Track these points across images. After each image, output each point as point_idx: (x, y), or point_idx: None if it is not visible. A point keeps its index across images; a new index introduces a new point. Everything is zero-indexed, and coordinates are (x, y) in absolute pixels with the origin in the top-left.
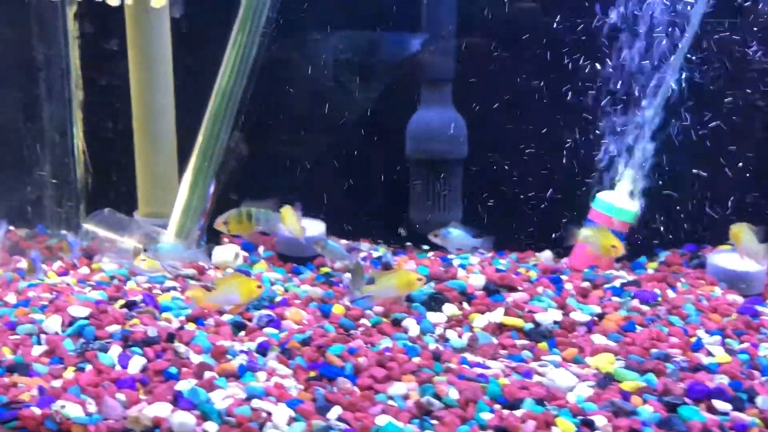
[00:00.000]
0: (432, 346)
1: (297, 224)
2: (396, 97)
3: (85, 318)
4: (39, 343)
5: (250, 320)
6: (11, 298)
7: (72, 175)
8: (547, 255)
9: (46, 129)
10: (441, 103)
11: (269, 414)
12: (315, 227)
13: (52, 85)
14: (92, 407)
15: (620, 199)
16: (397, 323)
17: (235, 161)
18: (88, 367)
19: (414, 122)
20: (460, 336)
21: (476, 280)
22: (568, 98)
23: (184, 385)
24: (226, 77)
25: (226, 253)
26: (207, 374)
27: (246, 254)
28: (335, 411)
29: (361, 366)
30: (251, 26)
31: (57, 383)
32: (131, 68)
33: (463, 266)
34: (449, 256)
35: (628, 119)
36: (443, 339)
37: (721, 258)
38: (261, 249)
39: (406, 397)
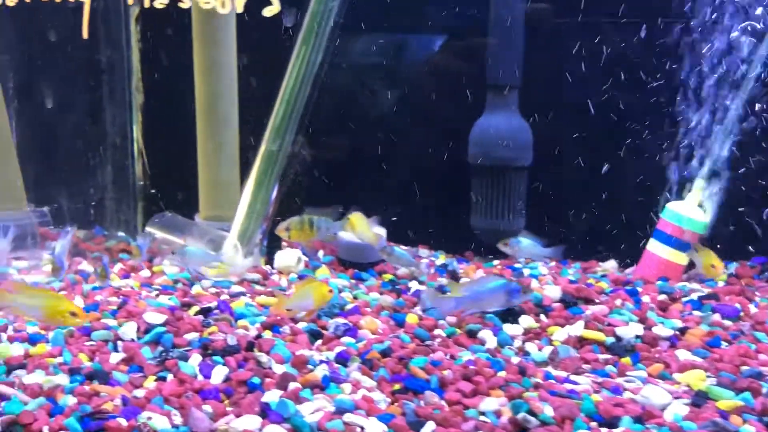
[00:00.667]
0: (515, 359)
1: (369, 230)
2: (459, 102)
3: (161, 325)
4: (116, 350)
5: (324, 328)
6: (78, 301)
7: (131, 178)
8: (611, 265)
9: (108, 131)
10: (506, 109)
11: (362, 429)
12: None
13: (114, 87)
14: (178, 419)
15: (691, 210)
16: (472, 335)
17: (299, 166)
18: (169, 377)
19: (478, 127)
20: (540, 349)
21: (552, 292)
22: (638, 106)
23: (271, 397)
24: (291, 82)
25: (289, 257)
26: (291, 385)
27: (306, 259)
28: (428, 427)
29: (447, 379)
30: (317, 31)
31: (139, 393)
32: (196, 72)
33: (534, 276)
34: (519, 266)
35: (698, 127)
36: (523, 352)
37: None
38: (321, 254)
39: (498, 413)
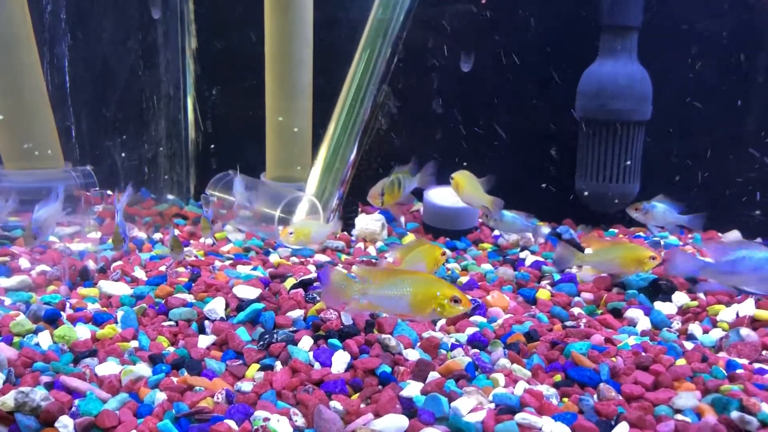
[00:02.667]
0: (688, 345)
1: (480, 191)
2: (566, 48)
3: (256, 300)
4: (203, 332)
5: None
6: (139, 273)
7: (183, 134)
8: (735, 235)
9: (161, 79)
10: (624, 55)
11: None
12: None
13: (168, 29)
14: (300, 420)
15: None
16: (617, 314)
17: (383, 120)
18: (277, 365)
19: (588, 77)
20: (706, 332)
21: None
22: None
23: (411, 391)
24: (376, 24)
25: (373, 223)
26: (431, 375)
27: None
28: (621, 428)
29: (619, 368)
30: None
31: (245, 386)
32: (267, 10)
33: (671, 246)
34: (653, 236)
35: None
36: (684, 334)
37: None
38: (402, 220)
39: (698, 411)
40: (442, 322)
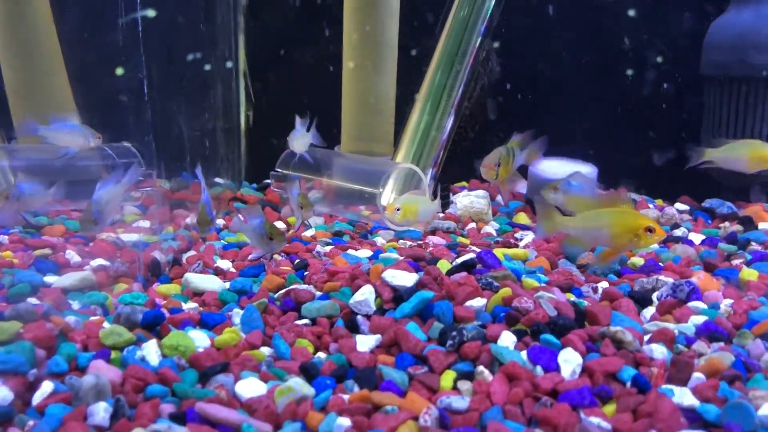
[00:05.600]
0: None
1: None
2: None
3: (417, 288)
4: (356, 331)
5: (638, 290)
6: (223, 263)
7: (235, 109)
8: None
9: (218, 41)
10: (763, 1)
11: None
12: (585, 171)
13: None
14: None
15: None
16: None
17: (487, 80)
18: (482, 371)
19: (720, 28)
20: None
21: None
22: None
23: (685, 398)
24: None
25: (478, 201)
26: (694, 377)
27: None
28: None
29: None
30: None
31: (456, 402)
32: None
33: None
34: None
35: None
36: None
37: None
38: (499, 198)
39: None
40: (652, 310)
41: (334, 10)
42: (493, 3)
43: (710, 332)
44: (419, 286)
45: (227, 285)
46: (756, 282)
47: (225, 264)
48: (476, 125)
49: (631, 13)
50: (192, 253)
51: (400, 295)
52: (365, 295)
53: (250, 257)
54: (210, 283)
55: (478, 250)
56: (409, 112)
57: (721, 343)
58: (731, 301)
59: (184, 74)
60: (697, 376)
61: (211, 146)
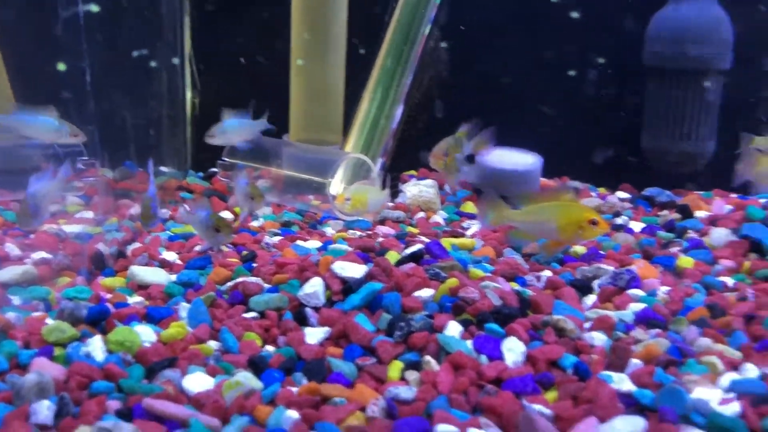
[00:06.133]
0: None
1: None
2: None
3: (366, 279)
4: (305, 323)
5: (579, 278)
6: (169, 255)
7: (181, 94)
8: None
9: (164, 23)
10: None
11: None
12: (529, 160)
13: None
14: None
15: None
16: None
17: (435, 70)
18: (429, 361)
19: (661, 21)
20: None
21: None
22: None
23: (623, 384)
24: None
25: (427, 191)
26: (632, 363)
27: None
28: None
29: None
30: None
31: (404, 392)
32: None
33: None
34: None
35: None
36: None
37: None
38: (447, 187)
39: None
40: (593, 298)
41: None
42: None
43: (648, 319)
44: (368, 277)
45: (173, 278)
46: (691, 269)
47: (171, 256)
48: (425, 115)
49: (577, 5)
50: (137, 244)
51: (349, 287)
52: (314, 287)
53: (196, 249)
54: (156, 275)
55: (427, 240)
56: (359, 101)
57: (658, 330)
58: (668, 288)
59: (128, 62)
60: (635, 362)
61: (156, 135)
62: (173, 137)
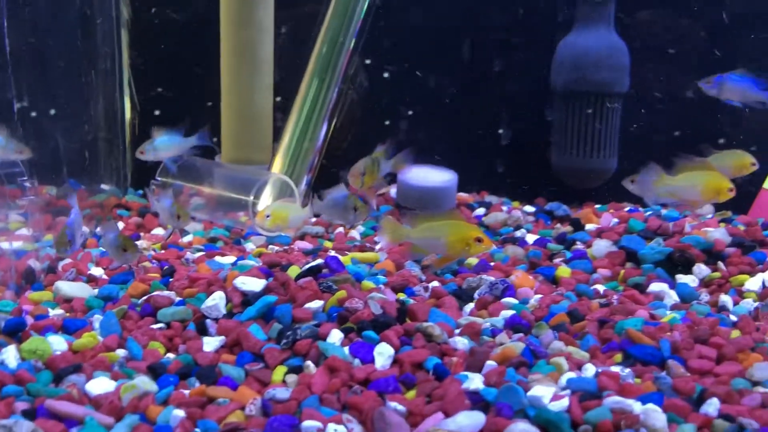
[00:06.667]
0: (732, 316)
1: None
2: (540, 18)
3: (263, 293)
4: (205, 333)
5: (464, 288)
6: (97, 270)
7: (120, 115)
8: (708, 210)
9: (99, 49)
10: (601, 25)
11: (636, 416)
12: (446, 177)
13: None
14: (357, 428)
15: None
16: (639, 289)
17: (356, 94)
18: (309, 366)
19: (565, 48)
20: (736, 303)
21: (719, 235)
22: None
23: (474, 383)
24: None
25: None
26: (487, 365)
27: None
28: (712, 405)
29: (679, 343)
30: None
31: (280, 393)
32: None
33: (673, 219)
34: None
35: None
36: (715, 306)
37: None
38: (374, 203)
39: None
40: (471, 306)
41: (217, 22)
42: (362, 16)
43: (515, 324)
44: (266, 291)
45: (96, 292)
46: (567, 278)
47: (98, 271)
48: (347, 136)
49: (494, 27)
50: (69, 260)
51: (248, 300)
52: (215, 300)
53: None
54: (79, 290)
55: (334, 254)
56: (286, 121)
57: (521, 334)
58: (540, 296)
59: (61, 87)
60: (490, 363)
61: (91, 156)
62: (111, 157)
